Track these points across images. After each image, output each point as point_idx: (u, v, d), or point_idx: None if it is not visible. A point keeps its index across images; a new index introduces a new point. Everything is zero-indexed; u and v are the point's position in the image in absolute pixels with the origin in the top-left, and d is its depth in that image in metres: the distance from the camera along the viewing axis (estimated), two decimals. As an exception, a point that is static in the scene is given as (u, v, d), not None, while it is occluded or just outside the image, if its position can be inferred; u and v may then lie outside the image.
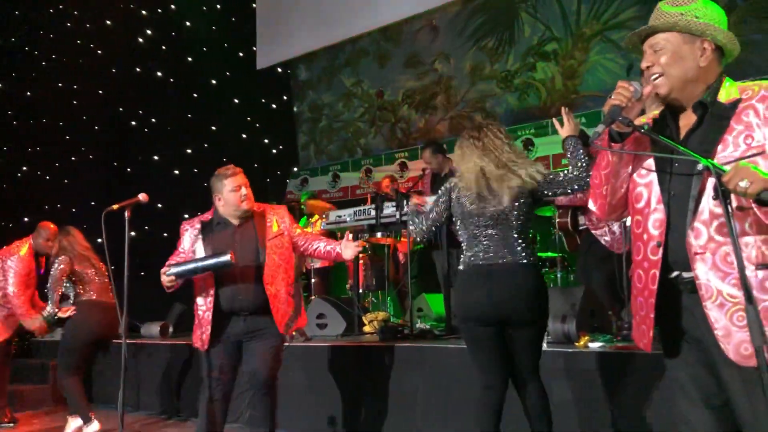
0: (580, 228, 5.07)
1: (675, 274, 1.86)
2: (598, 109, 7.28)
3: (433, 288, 6.18)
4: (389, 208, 5.25)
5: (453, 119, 9.02)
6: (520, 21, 8.29)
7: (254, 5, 9.78)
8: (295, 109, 11.08)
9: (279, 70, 10.60)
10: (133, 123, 9.05)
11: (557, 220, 5.22)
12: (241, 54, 10.08)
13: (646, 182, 1.93)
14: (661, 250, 1.85)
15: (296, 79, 11.06)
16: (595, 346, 3.66)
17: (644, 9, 7.29)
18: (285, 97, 11.01)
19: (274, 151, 10.36)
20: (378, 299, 7.27)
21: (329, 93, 10.56)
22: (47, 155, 8.35)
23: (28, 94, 8.28)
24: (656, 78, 1.87)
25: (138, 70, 9.17)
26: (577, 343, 3.74)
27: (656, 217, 1.88)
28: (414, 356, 4.18)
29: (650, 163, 1.93)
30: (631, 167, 1.98)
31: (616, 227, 4.82)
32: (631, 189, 1.99)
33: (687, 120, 1.90)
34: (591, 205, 2.12)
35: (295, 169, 10.68)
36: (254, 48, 9.56)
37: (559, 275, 6.17)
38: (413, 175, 8.54)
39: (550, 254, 6.51)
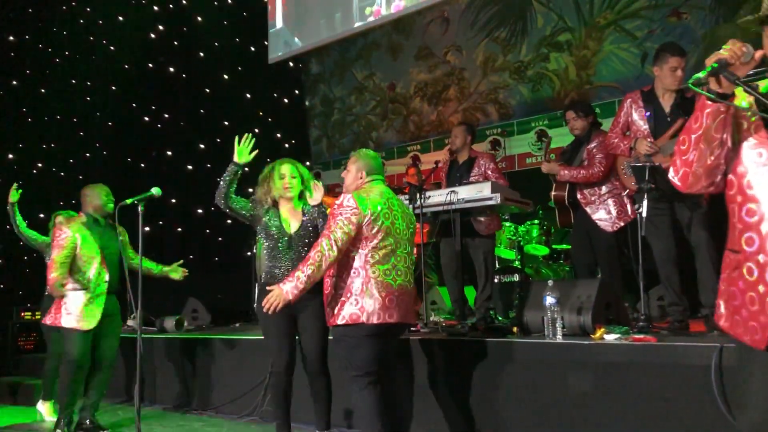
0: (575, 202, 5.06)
1: None
2: (612, 99, 7.22)
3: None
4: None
5: (466, 111, 8.98)
6: (533, 11, 8.23)
7: (265, -1, 9.78)
8: (306, 103, 11.09)
9: (290, 64, 10.59)
10: (146, 119, 9.07)
11: (553, 192, 5.18)
12: (252, 48, 10.08)
13: (763, 163, 1.80)
14: None
15: (308, 73, 11.05)
16: (611, 338, 3.63)
17: (659, -3, 7.21)
18: (297, 92, 11.00)
19: (287, 145, 10.36)
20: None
21: (341, 86, 10.55)
22: (61, 152, 8.41)
23: (42, 91, 8.33)
24: None
25: (150, 65, 9.20)
26: (592, 335, 3.71)
27: None
28: (427, 350, 4.17)
29: (765, 143, 1.80)
30: (725, 136, 1.83)
31: (612, 207, 4.80)
32: (741, 173, 1.86)
33: None
34: (671, 174, 1.98)
35: (308, 163, 10.69)
36: (265, 42, 9.56)
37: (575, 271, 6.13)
38: (426, 168, 8.52)
39: (565, 246, 6.49)
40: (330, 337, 3.55)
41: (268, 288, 3.23)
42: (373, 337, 3.20)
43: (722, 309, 1.97)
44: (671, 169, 1.98)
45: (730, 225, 1.95)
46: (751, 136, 1.84)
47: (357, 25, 8.32)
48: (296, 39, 9.12)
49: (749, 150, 1.83)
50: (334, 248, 3.12)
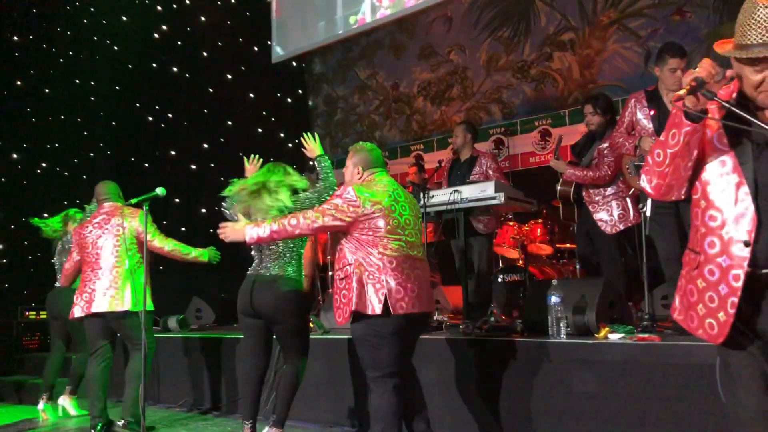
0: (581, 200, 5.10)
1: (765, 271, 1.82)
2: (615, 99, 7.21)
3: (454, 280, 6.14)
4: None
5: (469, 110, 8.98)
6: (536, 10, 8.22)
7: (268, -1, 9.79)
8: (310, 102, 11.09)
9: (294, 63, 10.60)
10: (150, 118, 9.09)
11: (560, 187, 5.20)
12: (255, 48, 10.10)
13: (726, 172, 1.87)
14: (749, 249, 1.80)
15: (311, 72, 11.06)
16: (615, 337, 3.63)
17: (662, -4, 7.20)
18: (300, 91, 11.01)
19: (290, 145, 10.35)
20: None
21: (344, 86, 10.55)
22: (66, 151, 8.42)
23: (46, 91, 8.34)
24: None
25: (154, 65, 9.22)
26: (597, 335, 3.71)
27: (741, 212, 1.83)
28: (431, 349, 4.17)
29: (728, 152, 1.87)
30: (697, 153, 1.91)
31: (615, 209, 4.81)
32: (705, 180, 1.93)
33: None
34: (644, 183, 2.05)
35: (311, 163, 10.68)
36: (269, 42, 9.57)
37: (578, 267, 6.12)
38: (429, 167, 8.52)
39: (568, 245, 6.48)
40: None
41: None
42: (397, 334, 3.06)
43: (677, 302, 2.07)
44: (644, 178, 2.06)
45: (692, 227, 2.03)
46: (715, 146, 1.92)
47: (340, 32, 8.35)
48: (299, 38, 9.12)
49: (713, 158, 1.91)
50: (315, 224, 3.07)
